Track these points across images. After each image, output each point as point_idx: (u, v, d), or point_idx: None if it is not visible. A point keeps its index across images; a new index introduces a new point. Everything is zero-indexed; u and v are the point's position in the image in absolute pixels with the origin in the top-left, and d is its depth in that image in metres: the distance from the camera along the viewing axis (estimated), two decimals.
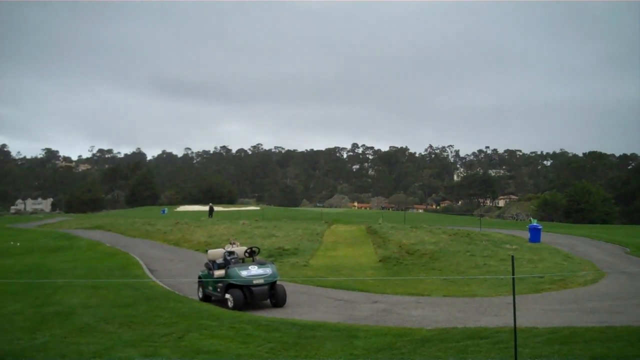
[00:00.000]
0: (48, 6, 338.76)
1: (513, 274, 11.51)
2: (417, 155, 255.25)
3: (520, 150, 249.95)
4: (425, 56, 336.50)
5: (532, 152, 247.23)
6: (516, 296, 11.71)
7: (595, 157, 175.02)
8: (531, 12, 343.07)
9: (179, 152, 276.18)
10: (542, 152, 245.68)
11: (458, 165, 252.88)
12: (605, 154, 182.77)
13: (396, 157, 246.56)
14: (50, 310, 16.38)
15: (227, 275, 18.06)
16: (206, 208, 72.69)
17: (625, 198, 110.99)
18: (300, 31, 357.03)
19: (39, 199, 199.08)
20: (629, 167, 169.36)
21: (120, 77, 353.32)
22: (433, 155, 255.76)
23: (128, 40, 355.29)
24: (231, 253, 19.54)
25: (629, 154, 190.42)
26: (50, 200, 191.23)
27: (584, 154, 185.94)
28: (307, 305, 18.30)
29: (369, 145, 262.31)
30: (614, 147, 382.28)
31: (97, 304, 17.34)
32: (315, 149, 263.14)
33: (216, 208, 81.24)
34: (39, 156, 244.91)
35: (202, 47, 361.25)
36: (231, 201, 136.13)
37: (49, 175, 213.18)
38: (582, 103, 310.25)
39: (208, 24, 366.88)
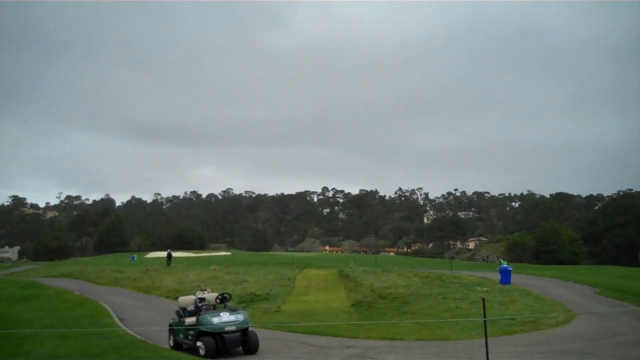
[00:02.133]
0: (15, 48, 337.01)
1: (485, 317, 11.61)
2: (387, 198, 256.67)
3: (488, 192, 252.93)
4: (395, 99, 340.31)
5: (500, 194, 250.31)
6: (488, 338, 11.78)
7: (562, 198, 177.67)
8: (500, 54, 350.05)
9: (148, 198, 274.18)
10: (510, 193, 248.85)
11: (428, 208, 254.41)
12: (572, 195, 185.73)
13: (366, 200, 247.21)
14: None
15: (198, 323, 17.88)
16: (179, 254, 71.56)
17: (593, 238, 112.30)
18: (270, 75, 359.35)
19: (6, 247, 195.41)
20: (595, 208, 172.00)
21: (90, 121, 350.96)
22: (403, 198, 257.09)
23: (99, 83, 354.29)
24: (202, 300, 19.39)
25: (595, 195, 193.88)
26: (17, 248, 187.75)
27: (551, 195, 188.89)
28: (280, 351, 18.15)
29: (339, 188, 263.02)
30: (581, 188, 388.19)
31: (65, 354, 16.97)
32: (285, 193, 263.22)
33: (186, 254, 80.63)
34: (6, 203, 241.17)
35: (173, 91, 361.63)
36: (202, 247, 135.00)
37: (16, 223, 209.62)
38: (549, 144, 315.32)
39: (179, 67, 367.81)
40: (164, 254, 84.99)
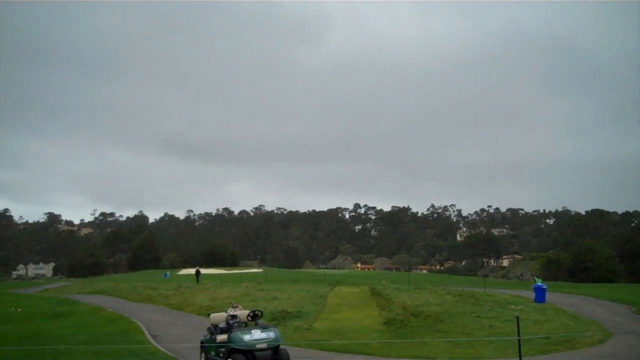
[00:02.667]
0: (52, 67, 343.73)
1: (519, 335, 11.43)
2: (419, 214, 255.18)
3: (522, 209, 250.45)
4: (428, 114, 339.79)
5: (534, 211, 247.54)
6: (523, 358, 11.58)
7: (598, 215, 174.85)
8: (534, 68, 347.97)
9: (181, 215, 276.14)
10: (544, 210, 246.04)
11: (461, 225, 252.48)
12: (607, 212, 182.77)
13: (398, 217, 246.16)
14: None
15: (229, 340, 17.85)
16: (212, 271, 71.65)
17: (630, 256, 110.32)
18: (302, 91, 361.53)
19: (41, 264, 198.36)
20: (632, 225, 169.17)
21: (124, 138, 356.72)
22: (435, 215, 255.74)
23: (132, 100, 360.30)
24: (234, 317, 19.38)
25: (631, 212, 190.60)
26: (51, 264, 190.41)
27: (586, 212, 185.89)
28: None
29: (370, 205, 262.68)
30: (617, 204, 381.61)
31: None
32: (317, 210, 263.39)
33: (218, 271, 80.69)
34: (41, 220, 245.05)
35: (206, 107, 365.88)
36: (234, 263, 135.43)
37: (51, 240, 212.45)
38: (584, 160, 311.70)
39: (212, 83, 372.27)
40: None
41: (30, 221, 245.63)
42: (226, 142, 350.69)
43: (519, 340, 11.30)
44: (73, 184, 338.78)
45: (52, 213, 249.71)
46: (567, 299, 36.77)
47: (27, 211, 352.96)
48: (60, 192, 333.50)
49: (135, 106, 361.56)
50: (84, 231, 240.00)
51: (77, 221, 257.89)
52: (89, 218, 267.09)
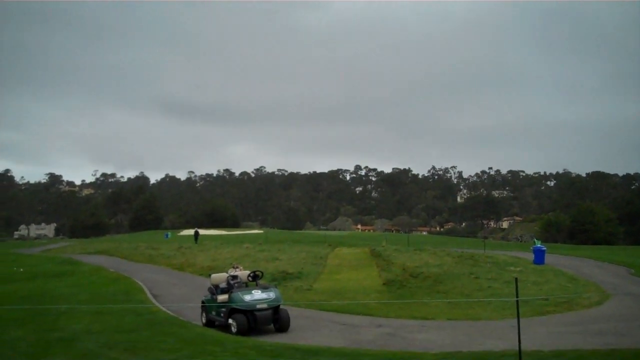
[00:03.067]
0: (52, 29, 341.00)
1: (517, 297, 11.48)
2: (420, 176, 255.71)
3: (523, 171, 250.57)
4: (428, 77, 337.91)
5: (535, 173, 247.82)
6: (521, 319, 11.66)
7: (598, 177, 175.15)
8: (534, 32, 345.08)
9: (182, 176, 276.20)
10: (545, 172, 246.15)
11: (461, 187, 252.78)
12: (608, 174, 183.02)
13: (399, 179, 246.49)
14: (54, 337, 16.30)
15: (230, 300, 18.00)
16: (212, 232, 71.74)
17: (630, 218, 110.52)
18: (303, 54, 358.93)
19: (43, 224, 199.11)
20: (632, 187, 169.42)
21: (124, 100, 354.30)
22: (436, 177, 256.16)
23: (133, 62, 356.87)
24: (234, 277, 19.49)
25: (632, 174, 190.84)
26: (53, 225, 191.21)
27: (587, 174, 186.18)
28: (311, 329, 18.23)
29: (371, 167, 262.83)
30: (617, 167, 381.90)
31: (100, 330, 17.26)
32: (318, 172, 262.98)
33: (219, 232, 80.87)
34: (43, 181, 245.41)
35: (208, 69, 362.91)
36: (234, 225, 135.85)
37: (53, 200, 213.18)
38: (585, 123, 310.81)
39: (212, 46, 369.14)
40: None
41: (32, 182, 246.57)
42: (227, 104, 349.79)
43: (517, 301, 11.35)
44: (74, 145, 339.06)
45: (53, 174, 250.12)
46: (566, 261, 36.95)
47: (28, 172, 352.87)
48: (61, 153, 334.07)
49: (136, 68, 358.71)
50: (85, 192, 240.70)
51: (78, 182, 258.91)
52: (90, 179, 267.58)
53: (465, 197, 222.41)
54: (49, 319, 19.46)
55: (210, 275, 21.73)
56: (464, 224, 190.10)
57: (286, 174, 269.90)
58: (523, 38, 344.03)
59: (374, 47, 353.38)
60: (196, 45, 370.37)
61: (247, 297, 17.86)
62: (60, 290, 28.53)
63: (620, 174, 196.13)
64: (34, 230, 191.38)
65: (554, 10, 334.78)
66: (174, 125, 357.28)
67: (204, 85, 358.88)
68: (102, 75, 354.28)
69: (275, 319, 18.13)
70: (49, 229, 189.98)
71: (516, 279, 12.47)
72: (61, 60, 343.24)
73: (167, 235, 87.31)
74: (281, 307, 18.46)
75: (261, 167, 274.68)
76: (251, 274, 19.74)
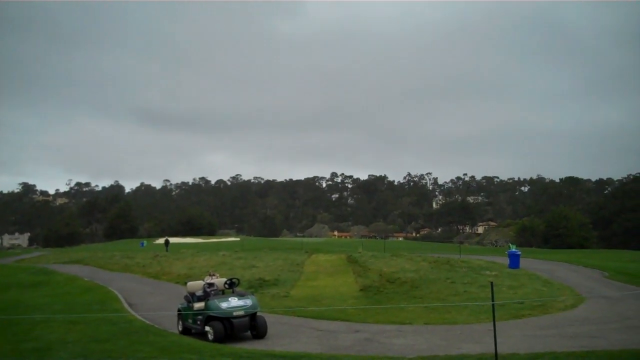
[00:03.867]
0: (25, 36, 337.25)
1: (493, 301, 11.56)
2: (395, 183, 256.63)
3: (497, 177, 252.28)
4: (404, 85, 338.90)
5: (509, 179, 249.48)
6: (497, 322, 11.75)
7: (571, 183, 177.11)
8: (507, 40, 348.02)
9: (157, 184, 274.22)
10: (519, 178, 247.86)
11: (437, 193, 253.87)
12: (581, 179, 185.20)
13: (375, 186, 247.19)
14: (28, 347, 16.10)
15: (206, 308, 17.94)
16: (188, 240, 71.74)
17: (603, 223, 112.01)
18: (279, 61, 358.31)
19: (16, 234, 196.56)
20: (605, 192, 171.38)
21: (99, 108, 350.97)
22: (412, 183, 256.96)
23: (108, 70, 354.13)
24: (211, 285, 19.43)
25: (605, 179, 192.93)
26: (27, 235, 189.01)
27: (560, 179, 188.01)
28: (288, 336, 18.20)
29: (347, 174, 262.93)
30: (590, 172, 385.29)
31: (75, 340, 17.08)
32: (294, 179, 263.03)
33: (195, 240, 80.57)
34: (16, 190, 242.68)
35: (183, 78, 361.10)
36: (211, 232, 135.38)
37: (26, 210, 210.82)
38: (558, 129, 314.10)
39: (188, 54, 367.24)
40: (173, 240, 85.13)
41: (5, 191, 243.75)
42: (203, 112, 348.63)
43: (493, 305, 11.45)
44: (48, 154, 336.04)
45: (27, 183, 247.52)
46: (540, 265, 37.31)
47: (1, 181, 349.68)
48: (35, 163, 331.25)
49: (111, 76, 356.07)
50: (59, 201, 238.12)
51: (52, 191, 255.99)
52: (64, 188, 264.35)
53: (440, 203, 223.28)
54: (23, 329, 19.22)
55: (186, 283, 21.63)
56: (439, 229, 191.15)
57: (262, 181, 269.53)
58: (497, 46, 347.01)
59: (350, 55, 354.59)
60: (171, 53, 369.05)
61: (224, 305, 17.80)
62: (35, 300, 28.19)
63: (593, 180, 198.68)
64: (7, 240, 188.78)
65: (526, 19, 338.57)
66: (149, 133, 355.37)
67: (180, 93, 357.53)
68: (78, 84, 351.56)
69: (252, 326, 18.08)
70: (22, 239, 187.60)
71: (492, 283, 12.57)
72: (35, 68, 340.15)
73: (142, 243, 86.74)
74: (258, 314, 18.42)
75: (237, 175, 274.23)
76: (228, 282, 19.68)
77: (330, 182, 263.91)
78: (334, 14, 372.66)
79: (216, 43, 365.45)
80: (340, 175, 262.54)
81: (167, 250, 59.97)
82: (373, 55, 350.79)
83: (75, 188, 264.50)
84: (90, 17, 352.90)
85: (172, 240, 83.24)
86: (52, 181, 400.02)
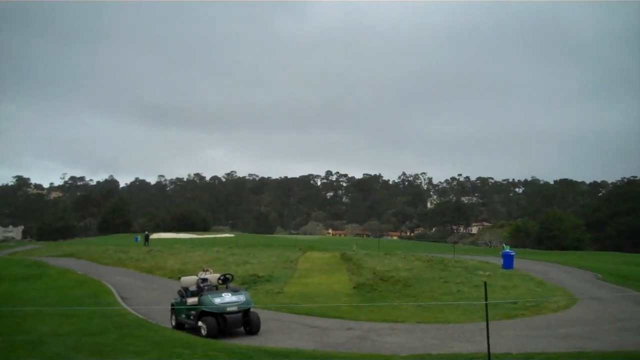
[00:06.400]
0: (24, 30, 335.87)
1: (486, 300, 11.57)
2: (390, 182, 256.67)
3: (492, 178, 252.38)
4: (400, 84, 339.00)
5: (504, 180, 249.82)
6: (489, 322, 11.77)
7: (566, 185, 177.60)
8: (506, 42, 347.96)
9: (152, 180, 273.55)
10: (513, 179, 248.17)
11: (431, 193, 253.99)
12: (576, 182, 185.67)
13: (370, 185, 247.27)
14: (20, 339, 16.04)
15: (200, 303, 17.92)
16: (182, 236, 71.95)
17: (596, 225, 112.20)
18: (277, 60, 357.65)
19: (10, 227, 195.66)
20: (599, 195, 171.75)
21: (95, 103, 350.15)
22: (406, 183, 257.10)
23: (105, 65, 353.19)
24: (204, 280, 19.41)
25: (599, 182, 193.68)
26: (21, 227, 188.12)
27: (555, 181, 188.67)
28: (281, 332, 18.20)
29: (342, 172, 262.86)
30: (585, 174, 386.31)
31: (67, 333, 17.03)
32: (289, 177, 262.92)
33: (189, 235, 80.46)
34: (10, 183, 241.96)
35: (179, 74, 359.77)
36: (205, 229, 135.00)
37: (20, 203, 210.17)
38: (553, 131, 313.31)
39: (186, 50, 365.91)
40: (168, 235, 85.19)
41: None
42: (199, 109, 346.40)
43: (486, 305, 11.46)
44: (43, 148, 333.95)
45: (21, 176, 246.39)
46: (534, 266, 37.33)
47: None
48: (30, 156, 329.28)
49: (108, 71, 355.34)
50: (54, 195, 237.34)
51: (46, 185, 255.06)
52: (58, 182, 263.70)
53: (435, 203, 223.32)
54: (15, 322, 19.15)
55: (180, 278, 21.59)
56: (433, 229, 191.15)
57: (257, 178, 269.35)
58: (493, 48, 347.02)
59: (348, 55, 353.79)
60: (170, 48, 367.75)
61: (217, 300, 17.78)
62: (27, 293, 28.12)
63: (588, 182, 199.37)
64: (1, 232, 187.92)
65: (522, 20, 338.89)
66: (145, 128, 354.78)
67: (177, 90, 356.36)
68: (74, 79, 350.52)
69: (245, 322, 18.07)
70: (16, 232, 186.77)
71: (485, 283, 12.59)
72: (31, 62, 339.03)
73: (136, 238, 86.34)
74: (251, 310, 18.40)
75: (232, 171, 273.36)
76: (221, 277, 19.68)
77: (325, 180, 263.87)
78: (334, 15, 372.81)
79: (212, 40, 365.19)
80: (335, 173, 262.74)
81: (145, 244, 62.46)
82: (370, 55, 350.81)
83: (70, 182, 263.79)
84: (89, 11, 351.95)
85: (167, 235, 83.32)
86: (47, 175, 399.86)
